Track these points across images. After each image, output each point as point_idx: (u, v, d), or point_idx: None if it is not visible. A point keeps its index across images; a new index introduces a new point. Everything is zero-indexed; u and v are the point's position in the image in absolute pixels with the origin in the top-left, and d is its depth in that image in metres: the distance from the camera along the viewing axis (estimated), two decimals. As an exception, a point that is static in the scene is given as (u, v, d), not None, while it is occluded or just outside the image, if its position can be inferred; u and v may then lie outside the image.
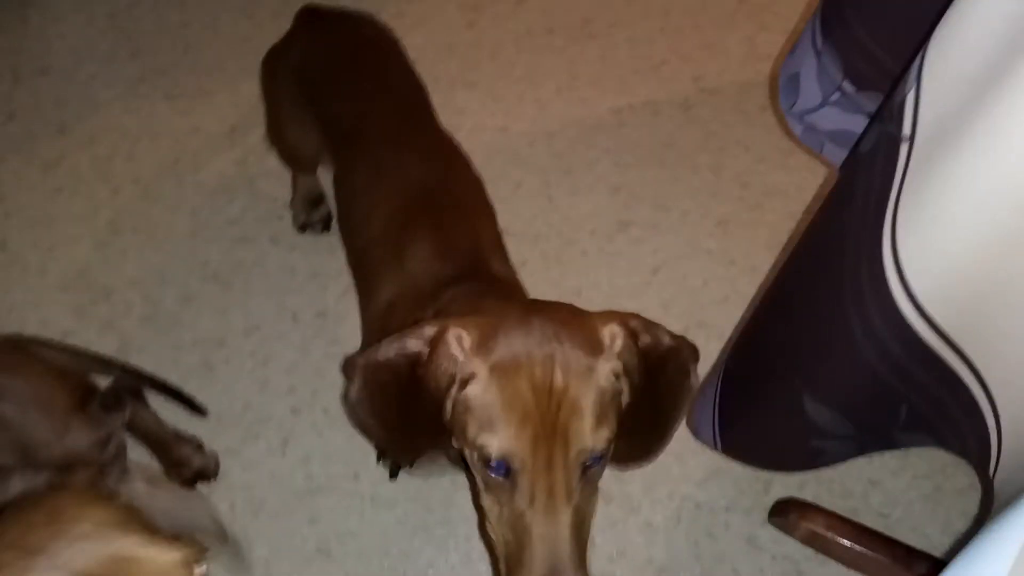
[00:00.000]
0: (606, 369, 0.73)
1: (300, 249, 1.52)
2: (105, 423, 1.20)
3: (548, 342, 0.72)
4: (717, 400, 0.98)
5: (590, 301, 1.48)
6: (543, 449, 0.71)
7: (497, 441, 0.71)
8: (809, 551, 1.25)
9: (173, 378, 1.34)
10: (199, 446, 1.28)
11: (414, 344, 0.75)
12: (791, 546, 1.26)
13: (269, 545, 1.25)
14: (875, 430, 0.81)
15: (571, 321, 0.76)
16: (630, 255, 1.55)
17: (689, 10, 1.90)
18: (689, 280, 1.53)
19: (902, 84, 0.60)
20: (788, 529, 1.25)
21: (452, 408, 0.75)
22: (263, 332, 1.44)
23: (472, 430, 0.73)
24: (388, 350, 0.76)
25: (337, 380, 1.39)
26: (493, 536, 0.77)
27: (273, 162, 1.53)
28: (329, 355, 1.41)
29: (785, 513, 1.24)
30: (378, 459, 1.31)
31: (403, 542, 1.26)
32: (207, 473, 1.27)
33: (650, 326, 0.77)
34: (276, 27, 1.84)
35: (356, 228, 1.14)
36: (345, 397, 0.84)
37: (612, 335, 0.75)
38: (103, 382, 1.28)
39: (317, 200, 1.53)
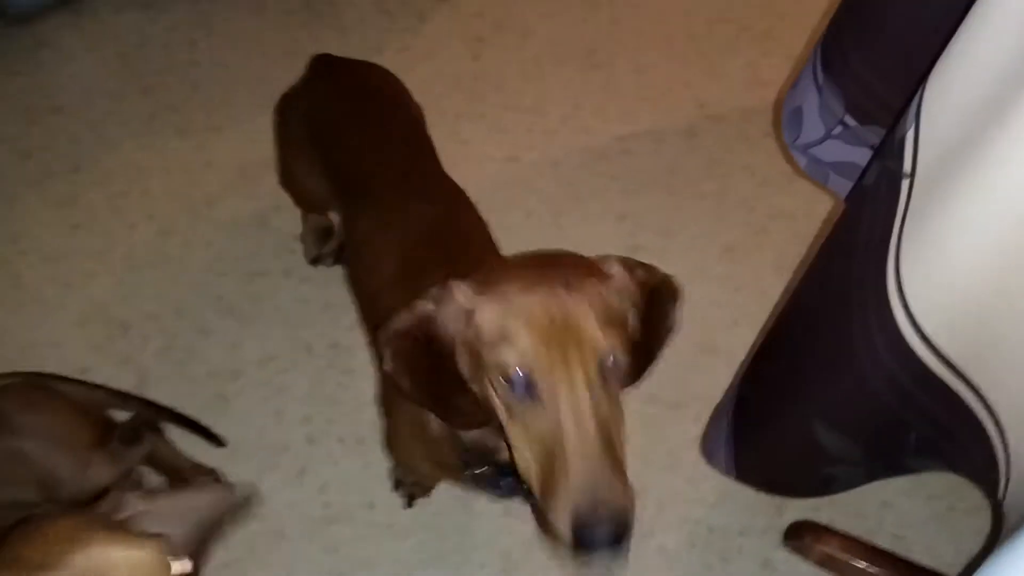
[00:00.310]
0: (611, 288, 0.77)
1: (312, 281, 1.55)
2: (125, 458, 1.23)
3: (551, 269, 0.76)
4: (730, 427, 0.99)
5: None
6: (558, 351, 0.72)
7: (514, 350, 0.73)
8: (824, 573, 1.26)
9: (190, 410, 1.37)
10: (217, 478, 1.30)
11: (423, 306, 0.79)
12: (806, 569, 1.27)
13: (287, 574, 1.26)
14: (885, 456, 0.83)
15: (572, 256, 0.80)
16: (638, 281, 1.56)
17: (691, 38, 1.94)
18: (697, 306, 1.54)
19: (902, 122, 0.62)
20: (803, 552, 1.25)
21: (466, 351, 0.78)
22: (277, 363, 1.45)
23: (488, 355, 0.75)
24: (403, 319, 0.79)
25: (352, 409, 1.40)
26: (526, 469, 0.77)
27: (284, 196, 1.55)
28: (342, 385, 1.43)
29: (799, 536, 1.25)
30: (394, 487, 1.32)
31: (418, 570, 1.27)
32: (226, 505, 1.29)
33: (641, 263, 0.82)
34: (286, 64, 1.88)
35: (366, 275, 1.16)
36: (383, 372, 0.89)
37: (612, 267, 0.80)
38: (121, 416, 1.31)
39: (327, 233, 1.55)
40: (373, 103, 1.29)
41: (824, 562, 1.24)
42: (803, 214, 1.65)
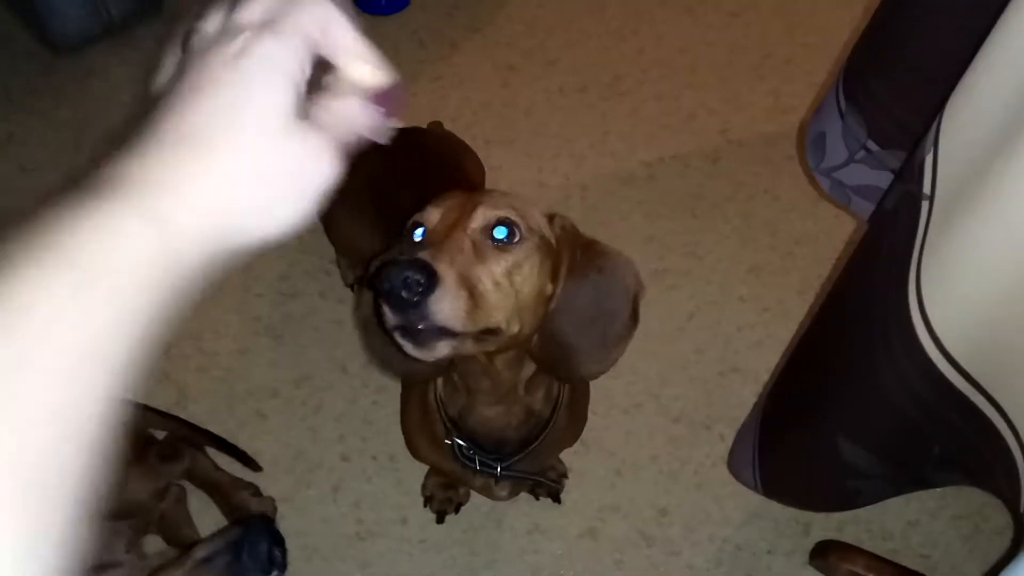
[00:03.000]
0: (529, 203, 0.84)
1: (347, 302, 1.59)
2: (163, 473, 1.26)
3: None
4: (756, 443, 1.02)
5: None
6: (451, 216, 0.79)
7: (419, 215, 0.81)
8: (850, 593, 1.27)
9: (229, 426, 1.41)
10: (256, 492, 1.33)
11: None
12: (832, 588, 1.28)
13: (322, 589, 1.29)
14: (909, 470, 0.85)
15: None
16: (664, 302, 1.59)
17: (715, 66, 1.98)
18: (723, 326, 1.57)
19: (921, 146, 0.65)
20: (829, 571, 1.27)
21: None
22: (313, 383, 1.50)
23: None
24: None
25: (385, 428, 1.44)
26: None
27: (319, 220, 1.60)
28: (377, 403, 1.47)
29: (826, 555, 1.26)
30: (425, 504, 1.36)
31: (451, 585, 1.30)
32: (265, 517, 1.32)
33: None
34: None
35: None
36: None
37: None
38: (161, 433, 1.35)
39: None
40: (428, 156, 1.39)
41: (850, 581, 1.25)
42: (826, 237, 1.67)
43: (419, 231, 0.81)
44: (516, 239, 0.79)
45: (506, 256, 0.78)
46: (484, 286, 0.75)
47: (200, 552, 0.97)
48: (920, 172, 0.65)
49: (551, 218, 0.87)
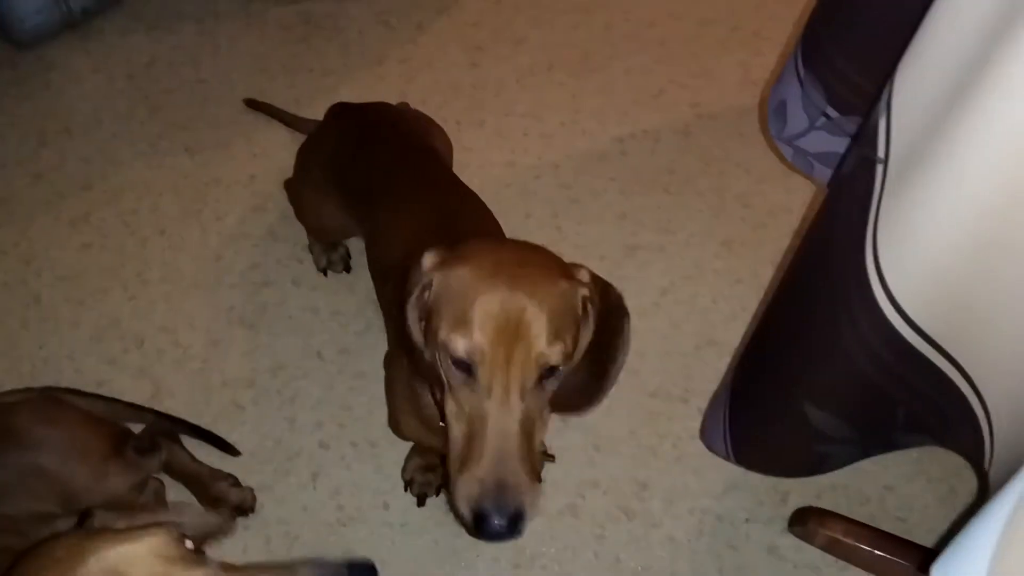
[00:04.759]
0: (573, 289, 0.82)
1: (321, 289, 1.58)
2: (141, 467, 1.25)
3: (521, 263, 0.81)
4: (727, 413, 1.02)
5: (603, 325, 1.53)
6: (503, 348, 0.78)
7: (464, 340, 0.78)
8: (830, 558, 1.29)
9: (206, 418, 1.40)
10: (235, 482, 1.33)
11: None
12: (812, 554, 1.29)
13: (305, 576, 1.29)
14: (875, 433, 0.85)
15: (545, 253, 0.86)
16: (639, 278, 1.60)
17: (684, 40, 1.97)
18: (698, 300, 1.58)
19: (875, 110, 0.66)
20: (808, 537, 1.28)
21: (422, 316, 0.84)
22: (289, 371, 1.49)
23: (441, 332, 0.80)
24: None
25: (363, 414, 1.44)
26: (452, 442, 0.84)
27: (291, 208, 1.59)
28: (354, 389, 1.47)
29: (804, 522, 1.27)
30: (406, 488, 1.36)
31: (434, 567, 1.30)
32: (244, 507, 1.32)
33: (605, 281, 0.87)
34: (287, 79, 1.92)
35: (381, 260, 1.23)
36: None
37: (580, 271, 0.85)
38: (139, 427, 1.34)
39: (334, 242, 1.59)
40: (387, 127, 1.39)
41: (828, 546, 1.27)
42: (798, 208, 1.68)
43: (464, 351, 0.80)
44: (560, 368, 0.81)
45: (552, 382, 0.82)
46: (541, 436, 0.83)
47: (304, 570, 0.95)
48: (874, 136, 0.65)
49: (593, 283, 0.86)
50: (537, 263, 0.82)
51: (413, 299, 0.84)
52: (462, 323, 0.78)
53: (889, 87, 0.63)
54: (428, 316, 0.84)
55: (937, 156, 0.58)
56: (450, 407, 0.84)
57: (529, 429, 0.80)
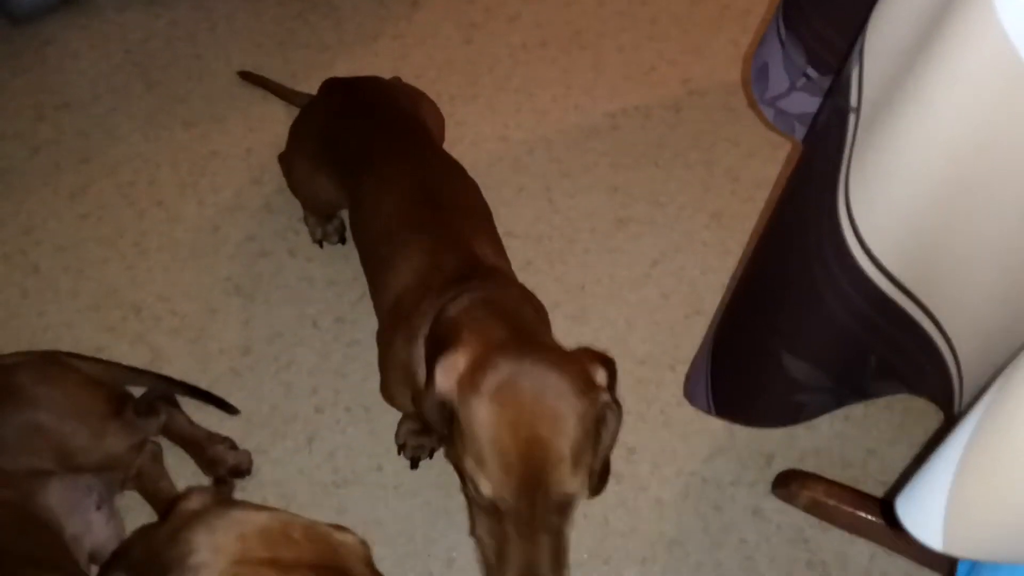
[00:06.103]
0: (595, 406, 0.84)
1: (316, 260, 1.61)
2: (140, 428, 1.28)
3: (538, 375, 0.82)
4: (709, 366, 1.05)
5: (594, 295, 1.56)
6: (526, 495, 0.80)
7: (487, 485, 0.81)
8: (812, 519, 1.32)
9: (203, 384, 1.43)
10: (232, 445, 1.36)
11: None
12: (795, 515, 1.32)
13: (300, 536, 1.32)
14: (849, 381, 0.88)
15: (560, 357, 0.86)
16: (630, 250, 1.62)
17: (675, 17, 1.99)
18: (687, 271, 1.60)
19: (849, 61, 0.68)
20: (791, 499, 1.31)
21: (457, 428, 0.85)
22: (285, 339, 1.52)
23: (468, 463, 0.83)
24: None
25: (358, 380, 1.46)
26: (481, 552, 0.89)
27: (285, 181, 1.62)
28: (348, 356, 1.49)
29: (787, 484, 1.30)
30: (399, 451, 1.38)
31: (427, 528, 1.33)
32: (241, 470, 1.35)
33: (606, 358, 0.91)
34: (282, 55, 1.94)
35: (365, 229, 1.26)
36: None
37: (597, 372, 0.87)
38: (138, 391, 1.37)
39: (329, 215, 1.61)
40: (376, 100, 1.41)
41: (811, 507, 1.30)
42: (786, 180, 1.70)
43: (488, 494, 0.82)
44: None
45: (577, 499, 0.85)
46: (567, 543, 0.87)
47: None
48: (847, 86, 0.67)
49: (608, 367, 0.89)
50: (556, 385, 0.82)
51: (432, 407, 0.87)
52: (485, 466, 0.81)
53: (863, 36, 0.65)
54: (453, 425, 0.85)
55: (905, 101, 0.60)
56: (479, 520, 0.87)
57: (556, 548, 0.84)
